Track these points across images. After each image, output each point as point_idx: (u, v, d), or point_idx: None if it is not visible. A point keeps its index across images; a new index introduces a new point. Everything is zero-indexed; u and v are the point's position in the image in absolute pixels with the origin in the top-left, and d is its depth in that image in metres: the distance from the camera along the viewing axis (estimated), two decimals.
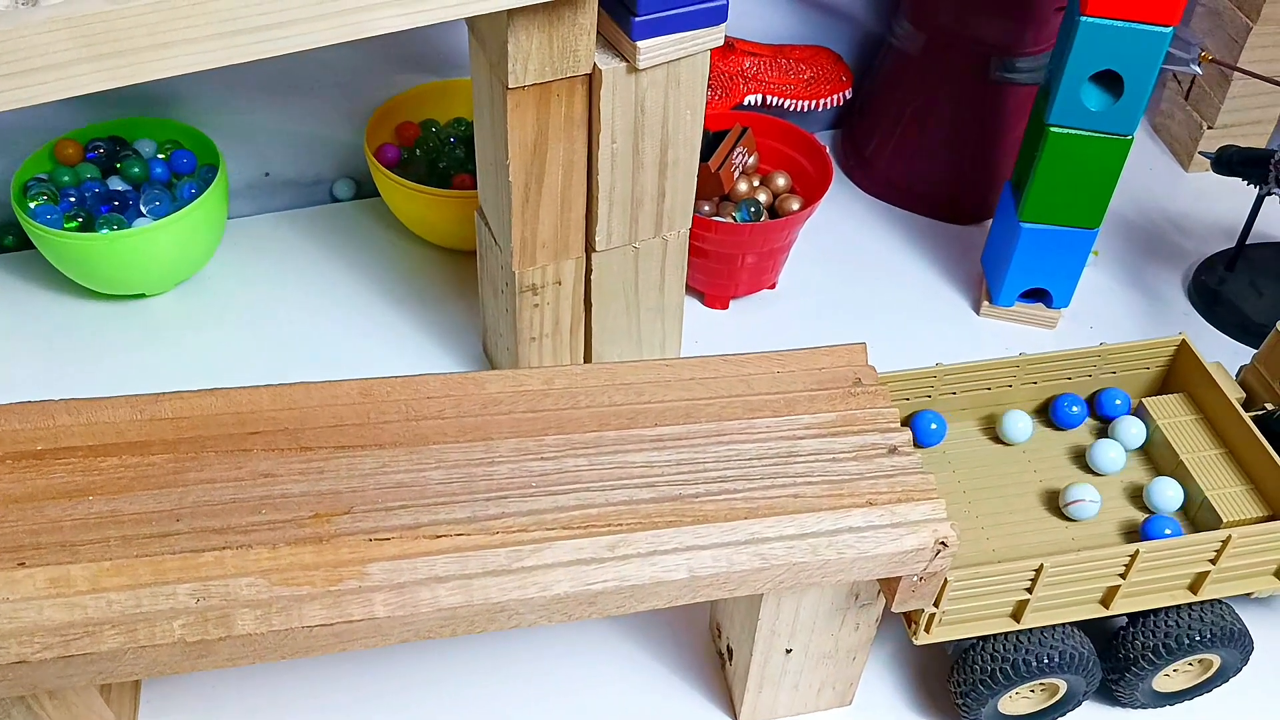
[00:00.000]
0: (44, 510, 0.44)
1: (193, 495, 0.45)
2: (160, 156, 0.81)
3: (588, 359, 0.72)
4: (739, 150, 0.76)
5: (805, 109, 0.84)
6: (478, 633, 0.45)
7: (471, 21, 0.59)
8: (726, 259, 0.76)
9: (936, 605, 0.53)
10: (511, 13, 0.53)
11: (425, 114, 0.85)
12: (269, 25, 0.47)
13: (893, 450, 0.50)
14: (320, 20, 0.48)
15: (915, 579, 0.49)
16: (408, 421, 0.50)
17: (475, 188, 0.79)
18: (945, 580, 0.51)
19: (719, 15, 0.57)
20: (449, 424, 0.50)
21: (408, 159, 0.83)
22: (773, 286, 0.81)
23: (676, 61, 0.58)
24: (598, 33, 0.57)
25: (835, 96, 0.84)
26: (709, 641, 0.64)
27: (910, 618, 0.55)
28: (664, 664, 0.63)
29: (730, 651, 0.60)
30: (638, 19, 0.55)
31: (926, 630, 0.54)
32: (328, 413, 0.49)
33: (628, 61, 0.57)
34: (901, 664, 0.62)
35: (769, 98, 0.83)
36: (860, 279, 0.83)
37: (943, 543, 0.48)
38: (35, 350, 0.76)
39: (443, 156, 0.82)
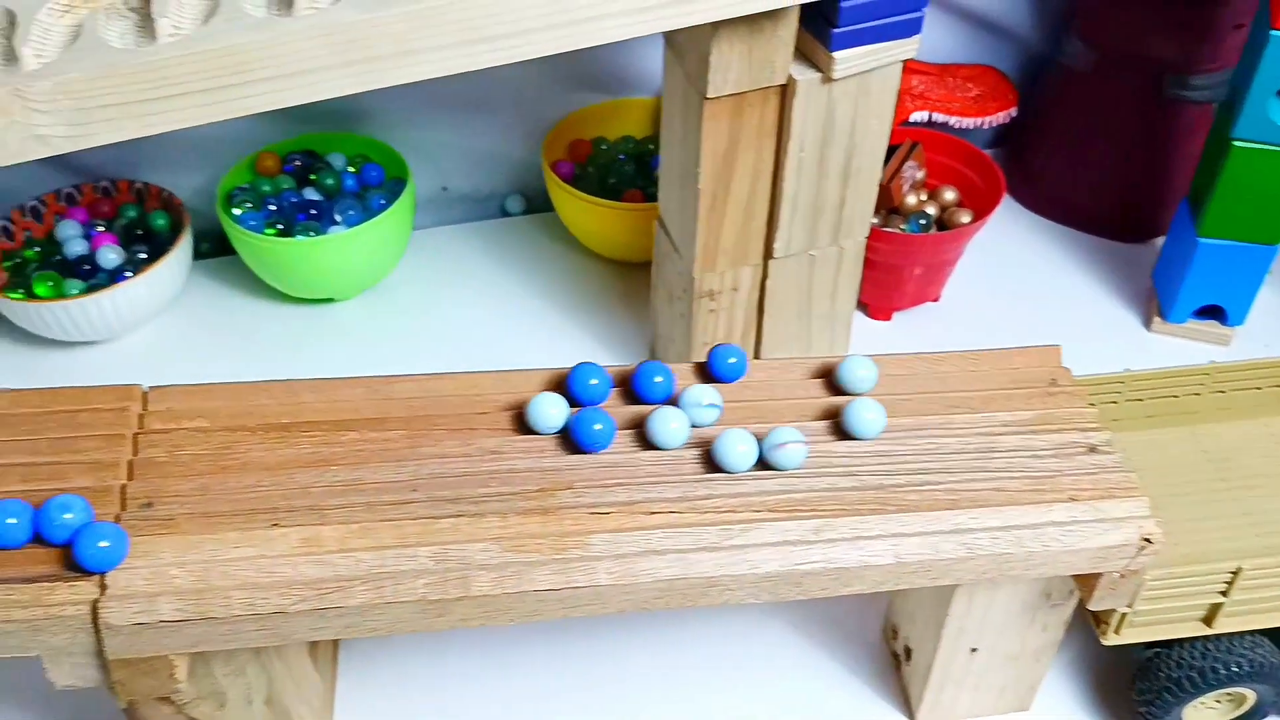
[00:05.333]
0: (294, 477, 0.48)
1: (427, 468, 0.48)
2: (350, 169, 0.86)
3: None
4: (909, 164, 0.78)
5: (972, 126, 0.85)
6: (689, 606, 0.47)
7: (670, 34, 0.62)
8: (894, 270, 0.77)
9: (1130, 606, 0.53)
10: (717, 25, 0.56)
11: (596, 132, 0.89)
12: (505, 35, 0.51)
13: (1092, 449, 0.51)
14: (551, 30, 0.51)
15: (1116, 576, 0.49)
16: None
17: (643, 202, 0.82)
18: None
19: (914, 27, 0.59)
20: None
21: (580, 175, 0.86)
22: (936, 299, 0.82)
23: (868, 72, 0.60)
24: None
25: (1002, 114, 0.85)
26: (881, 643, 0.65)
27: (1100, 618, 0.55)
28: (839, 663, 0.64)
29: (909, 651, 0.61)
30: (837, 30, 0.57)
31: (1117, 632, 0.55)
32: None
33: (822, 72, 0.59)
34: (1081, 670, 0.62)
35: (935, 114, 0.84)
36: (1025, 294, 0.84)
37: (1147, 539, 0.48)
38: (233, 348, 0.81)
39: (612, 172, 0.86)
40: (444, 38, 0.50)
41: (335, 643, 0.63)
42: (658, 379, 0.52)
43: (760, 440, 0.49)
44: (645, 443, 0.50)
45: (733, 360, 0.53)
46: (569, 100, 0.88)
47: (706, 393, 0.51)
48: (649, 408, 0.51)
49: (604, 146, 0.87)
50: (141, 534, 0.45)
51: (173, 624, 0.43)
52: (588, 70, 0.88)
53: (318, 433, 0.50)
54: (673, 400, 0.52)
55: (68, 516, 0.44)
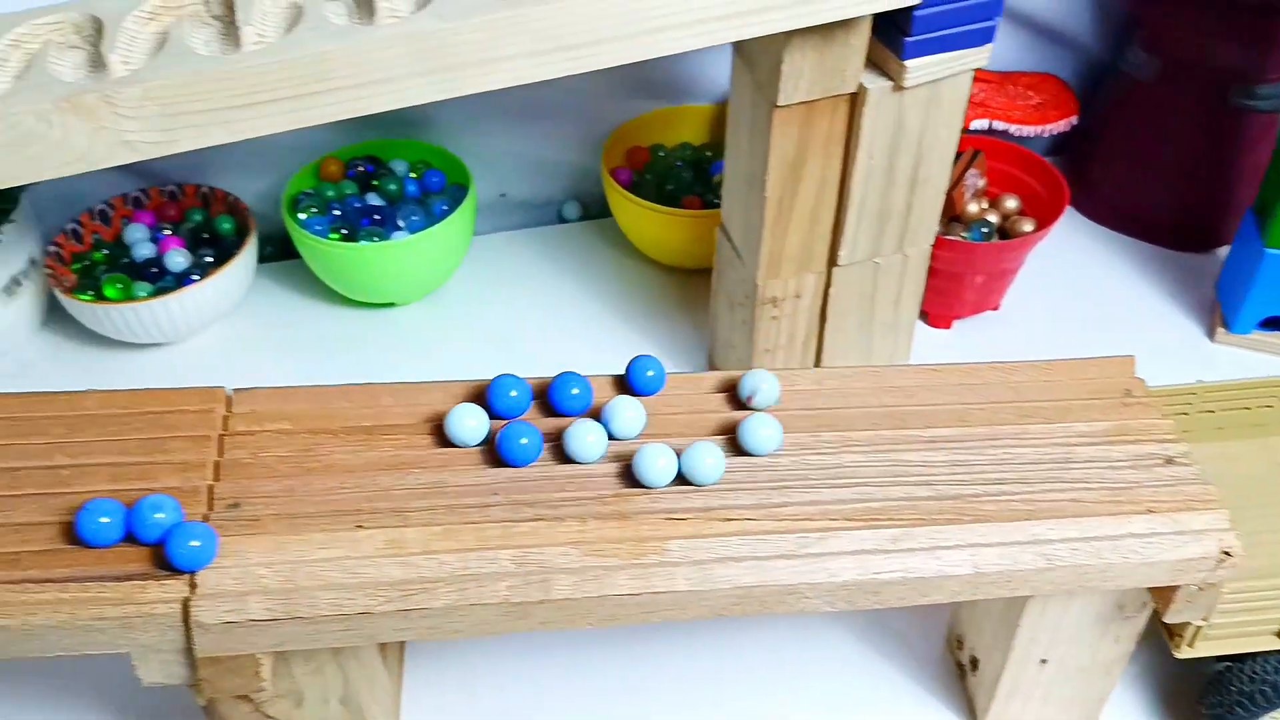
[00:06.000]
0: (376, 480, 0.48)
1: (506, 472, 0.49)
2: (412, 175, 0.86)
3: None
4: (971, 172, 0.77)
5: (1032, 134, 0.85)
6: (766, 614, 0.47)
7: (741, 43, 0.62)
8: (956, 278, 0.77)
9: (1205, 619, 0.53)
10: (789, 33, 0.56)
11: (654, 138, 0.89)
12: (581, 44, 0.51)
13: (1169, 460, 0.51)
14: (625, 40, 0.52)
15: (1194, 588, 0.49)
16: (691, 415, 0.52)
17: (702, 208, 0.83)
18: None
19: (986, 36, 0.59)
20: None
21: (637, 181, 0.87)
22: (996, 308, 0.82)
23: (939, 80, 0.60)
24: None
25: (1063, 123, 0.85)
26: (945, 653, 0.64)
27: (1173, 631, 0.55)
28: (901, 671, 0.64)
29: (975, 662, 0.61)
30: (910, 39, 0.57)
31: (1190, 645, 0.54)
32: None
33: (893, 80, 0.59)
34: (1149, 683, 0.62)
35: (996, 123, 0.84)
36: (1085, 303, 0.83)
37: (1226, 552, 0.48)
38: (297, 351, 0.82)
39: (670, 179, 0.86)
40: (522, 46, 0.50)
41: (402, 643, 0.64)
42: (574, 390, 0.52)
43: (679, 455, 0.49)
44: (737, 449, 0.51)
45: (651, 373, 0.53)
46: (627, 107, 0.89)
47: None
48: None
49: (662, 153, 0.88)
50: (229, 534, 0.46)
51: (262, 623, 0.44)
52: (646, 77, 0.88)
53: (399, 436, 0.50)
54: (593, 412, 0.52)
55: (159, 516, 0.45)
